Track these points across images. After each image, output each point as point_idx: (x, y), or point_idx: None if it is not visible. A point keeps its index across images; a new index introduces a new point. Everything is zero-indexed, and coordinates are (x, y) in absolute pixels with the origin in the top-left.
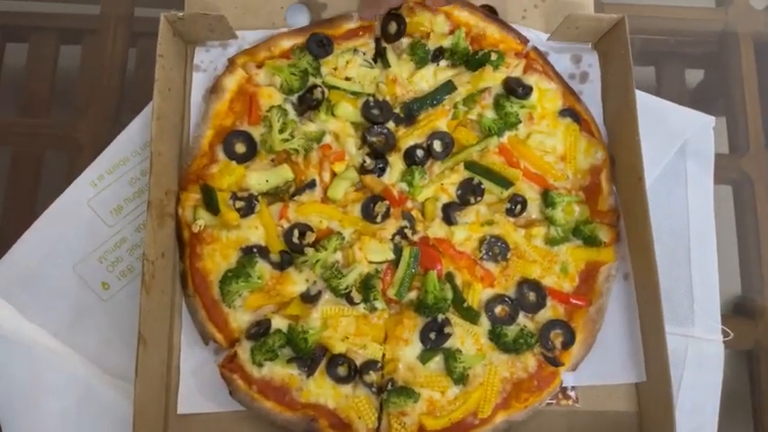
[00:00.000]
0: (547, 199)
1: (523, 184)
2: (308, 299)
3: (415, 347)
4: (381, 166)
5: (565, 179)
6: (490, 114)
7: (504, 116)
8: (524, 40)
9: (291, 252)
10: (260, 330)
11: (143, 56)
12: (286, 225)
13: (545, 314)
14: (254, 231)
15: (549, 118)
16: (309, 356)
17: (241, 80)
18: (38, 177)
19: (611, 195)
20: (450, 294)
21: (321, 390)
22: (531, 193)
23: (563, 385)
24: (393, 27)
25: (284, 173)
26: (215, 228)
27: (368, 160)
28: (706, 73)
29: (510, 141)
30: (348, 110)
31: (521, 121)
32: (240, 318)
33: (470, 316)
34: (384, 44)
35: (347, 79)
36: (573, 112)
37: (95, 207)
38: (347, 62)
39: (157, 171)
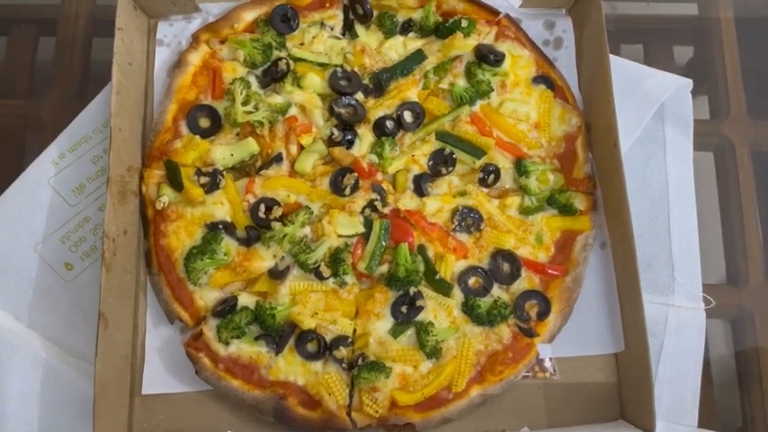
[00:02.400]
0: (520, 168)
1: (497, 154)
2: (276, 275)
3: (387, 322)
4: (350, 137)
5: (539, 147)
6: (462, 83)
7: (475, 84)
8: (496, 14)
9: (258, 227)
10: (226, 308)
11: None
12: (252, 200)
13: (520, 285)
14: (220, 207)
15: (523, 85)
16: (278, 333)
17: (205, 55)
18: None
19: (587, 163)
20: (422, 267)
21: (290, 367)
22: (505, 163)
23: (539, 357)
24: (360, 10)
25: (249, 146)
26: (179, 204)
27: (336, 132)
28: (696, 50)
29: (482, 110)
30: (315, 81)
31: (493, 89)
32: (206, 295)
33: (443, 288)
34: (352, 16)
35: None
36: (547, 79)
37: (57, 186)
38: (314, 37)
39: (118, 147)
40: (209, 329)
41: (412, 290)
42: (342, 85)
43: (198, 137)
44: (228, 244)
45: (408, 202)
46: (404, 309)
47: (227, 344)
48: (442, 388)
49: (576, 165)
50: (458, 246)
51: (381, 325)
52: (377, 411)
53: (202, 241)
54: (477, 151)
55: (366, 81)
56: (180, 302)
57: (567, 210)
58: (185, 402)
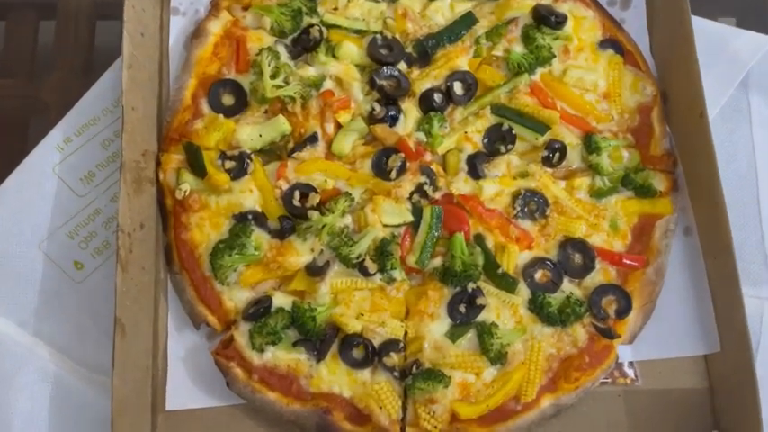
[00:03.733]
0: (590, 144)
1: (562, 129)
2: (315, 271)
3: (443, 323)
4: (393, 113)
5: (609, 120)
6: (519, 49)
7: (534, 50)
8: None
9: (293, 218)
10: (259, 309)
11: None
12: (285, 186)
13: (594, 278)
14: (248, 195)
15: (588, 50)
16: (319, 338)
17: (227, 23)
18: None
19: (665, 137)
20: (480, 259)
21: (334, 376)
22: (571, 139)
23: (619, 361)
24: None
25: (280, 125)
26: (202, 193)
27: (377, 108)
28: None
29: (543, 79)
30: (352, 50)
31: (555, 56)
32: (236, 296)
33: (506, 284)
34: None
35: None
36: (615, 43)
37: (63, 175)
38: (349, 0)
39: (131, 129)
40: (241, 335)
41: (470, 286)
42: (382, 54)
43: (221, 116)
44: (259, 237)
45: (462, 185)
46: (462, 308)
47: (261, 351)
48: (508, 398)
49: (653, 140)
50: (521, 235)
51: (437, 327)
52: (435, 426)
53: (230, 234)
54: (540, 126)
55: (409, 49)
56: (206, 304)
57: (644, 191)
58: (215, 418)
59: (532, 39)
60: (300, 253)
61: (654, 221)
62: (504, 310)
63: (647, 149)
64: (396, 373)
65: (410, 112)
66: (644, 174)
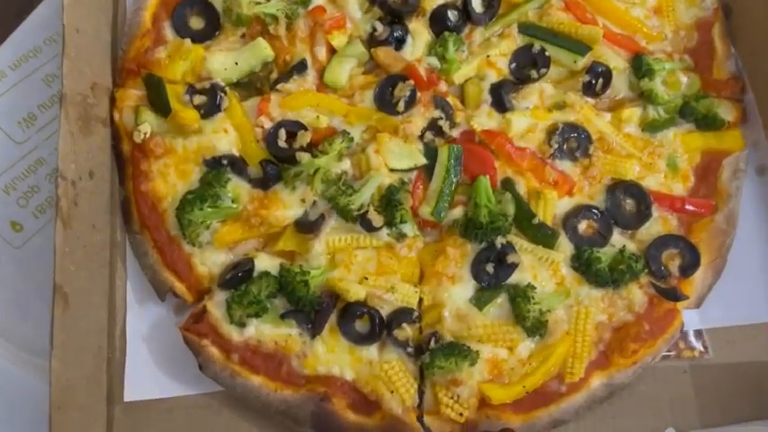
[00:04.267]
0: (640, 67)
1: (605, 49)
2: (307, 227)
3: (467, 287)
4: (399, 35)
5: (662, 40)
6: None
7: None
8: None
9: (278, 162)
10: (239, 275)
11: None
12: (268, 125)
13: (651, 229)
14: (223, 136)
15: None
16: (313, 308)
17: None
18: None
19: (730, 58)
20: (511, 208)
21: (333, 355)
22: (617, 61)
23: (684, 329)
24: None
25: (260, 51)
26: (166, 135)
27: (379, 27)
28: None
29: None
30: None
31: None
32: (209, 259)
33: (544, 237)
34: None
35: None
36: None
37: None
38: None
39: (75, 54)
40: (216, 306)
41: (499, 241)
42: None
43: (188, 41)
44: (237, 186)
45: (485, 120)
46: (489, 268)
47: (241, 325)
48: (550, 377)
49: (716, 61)
50: (559, 178)
51: (459, 291)
52: (460, 414)
53: (201, 184)
54: (579, 46)
55: None
56: (173, 270)
57: (708, 123)
58: (187, 410)
59: None
60: (288, 205)
61: (720, 159)
62: (541, 270)
63: (709, 73)
64: (409, 350)
65: (419, 33)
66: (706, 102)
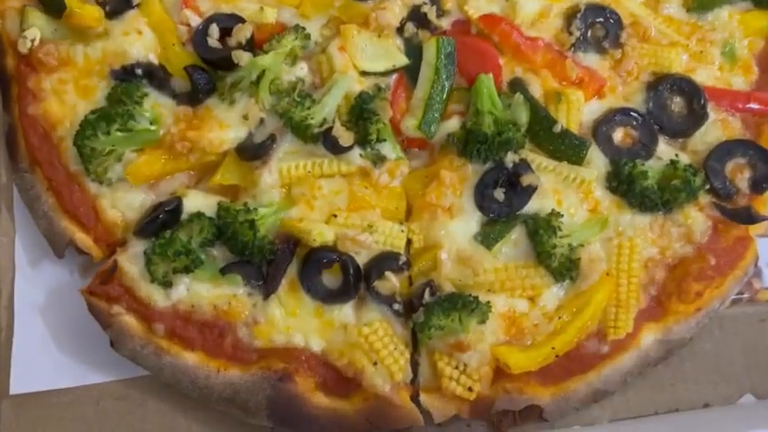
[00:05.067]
0: None
1: None
2: (253, 152)
3: (469, 220)
4: None
5: None
6: None
7: None
8: None
9: (210, 68)
10: (160, 218)
11: None
12: (195, 21)
13: (709, 134)
14: (136, 39)
15: None
16: (264, 258)
17: None
18: None
19: None
20: (524, 115)
21: (294, 319)
22: None
23: (759, 263)
24: None
25: None
26: (62, 42)
27: None
28: None
29: None
30: None
31: None
32: (123, 200)
33: (569, 149)
34: None
35: None
36: None
37: None
38: None
39: None
40: (131, 260)
41: (510, 158)
42: None
43: None
44: (158, 104)
45: (484, 4)
46: (498, 193)
47: (167, 285)
48: (587, 335)
49: None
50: (585, 75)
51: (460, 227)
52: (469, 388)
53: (108, 101)
54: None
55: None
56: (74, 217)
57: None
58: (96, 404)
59: None
60: (226, 124)
61: None
62: (568, 193)
63: None
64: (397, 307)
65: None
66: None
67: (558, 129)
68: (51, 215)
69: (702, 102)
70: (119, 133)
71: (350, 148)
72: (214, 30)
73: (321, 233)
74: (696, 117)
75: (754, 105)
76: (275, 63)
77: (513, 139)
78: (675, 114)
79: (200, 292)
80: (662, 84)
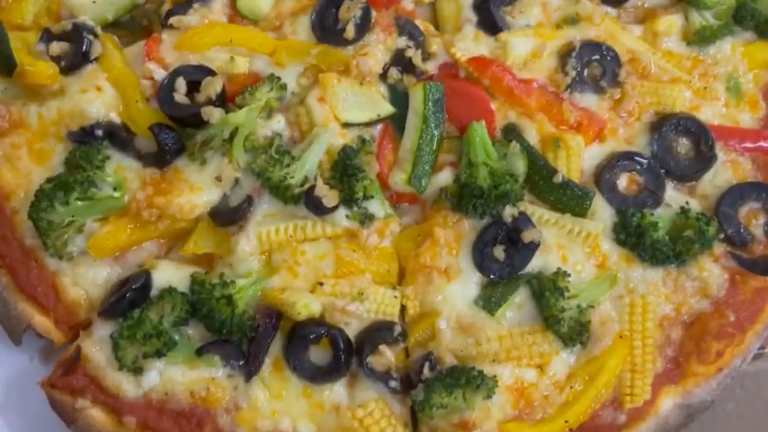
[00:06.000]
0: None
1: None
2: (228, 216)
3: (468, 282)
4: None
5: None
6: None
7: None
8: None
9: (177, 125)
10: (127, 296)
11: None
12: (160, 74)
13: (718, 177)
14: (96, 97)
15: None
16: (245, 335)
17: None
18: None
19: None
20: (521, 164)
21: (280, 402)
22: None
23: None
24: None
25: None
26: (13, 102)
27: None
28: None
29: None
30: None
31: None
32: (85, 276)
33: (571, 200)
34: None
35: None
36: None
37: None
38: None
39: None
40: (97, 346)
41: (509, 211)
42: None
43: None
44: (121, 167)
45: (472, 45)
46: (498, 251)
47: (137, 371)
48: (602, 404)
49: None
50: (583, 117)
51: (458, 290)
52: None
53: (66, 167)
54: None
55: None
56: (32, 298)
57: None
58: None
59: None
60: (197, 187)
61: None
62: (573, 248)
63: None
64: (393, 384)
65: None
66: None
67: (558, 179)
68: (6, 297)
69: (710, 143)
70: (79, 202)
71: (335, 208)
72: (181, 84)
73: (306, 305)
74: (704, 159)
75: (764, 144)
76: (249, 119)
77: (510, 191)
78: (682, 157)
79: (174, 377)
80: (666, 124)
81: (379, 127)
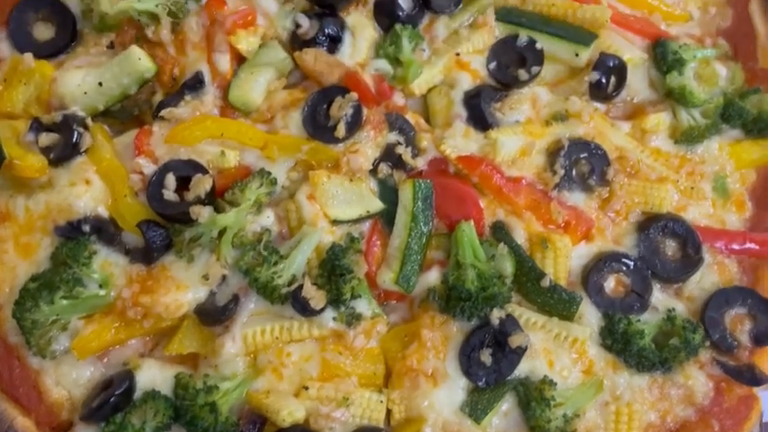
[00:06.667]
0: (664, 57)
1: (614, 37)
2: (214, 316)
3: (455, 387)
4: (333, 32)
5: (687, 19)
6: None
7: None
8: None
9: (167, 222)
10: (112, 399)
11: None
12: (149, 169)
13: (705, 280)
14: (84, 190)
15: None
16: None
17: None
18: None
19: None
20: (508, 266)
21: None
22: (632, 52)
23: (764, 420)
24: None
25: (134, 64)
26: (1, 194)
27: (304, 23)
28: None
29: None
30: None
31: None
32: (68, 376)
33: (558, 304)
34: None
35: None
36: None
37: None
38: None
39: None
40: None
41: (496, 315)
42: None
43: (29, 57)
44: (108, 263)
45: (462, 142)
46: (485, 356)
47: None
48: None
49: (759, 44)
50: (572, 216)
51: (444, 395)
52: None
53: (52, 263)
54: (580, 34)
55: None
56: (13, 398)
57: (761, 126)
58: None
59: None
60: (184, 285)
61: None
62: (560, 353)
63: (754, 60)
64: None
65: (361, 28)
66: (755, 98)
67: (546, 283)
68: None
69: (696, 246)
70: (64, 301)
71: (322, 310)
72: (170, 181)
73: (291, 413)
74: (691, 262)
75: (750, 246)
76: (238, 219)
77: (498, 294)
78: (669, 259)
79: None
80: (653, 226)
81: (368, 224)
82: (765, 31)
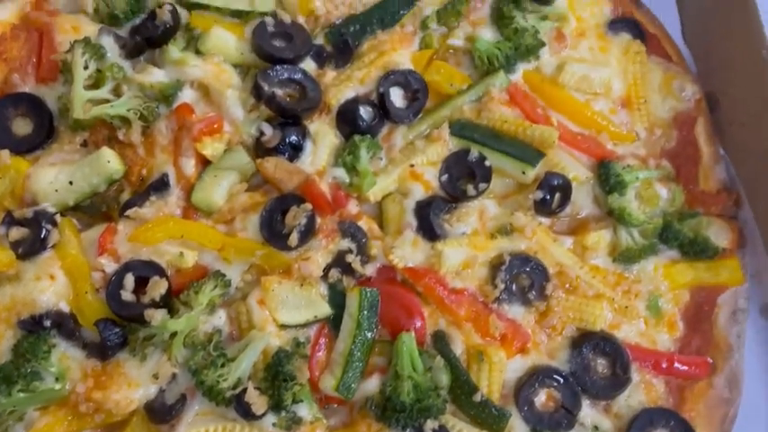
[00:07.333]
0: (607, 177)
1: (561, 155)
2: (162, 414)
3: None
4: (295, 140)
5: (633, 140)
6: (488, 35)
7: (513, 36)
8: None
9: (124, 321)
10: None
11: None
12: (111, 267)
13: (632, 398)
14: (48, 285)
15: (593, 35)
16: None
17: (24, 5)
18: None
19: (719, 163)
20: (444, 378)
21: None
22: (578, 170)
23: None
24: None
25: (103, 166)
26: None
27: (267, 131)
28: None
29: (528, 80)
30: (226, 41)
31: (544, 44)
32: None
33: (489, 418)
34: None
35: None
36: (631, 24)
37: None
38: None
39: None
40: None
41: (430, 424)
42: (275, 46)
43: (5, 153)
44: (66, 357)
45: (410, 251)
46: None
47: None
48: None
49: (701, 167)
50: (509, 330)
51: None
52: None
53: (13, 355)
54: (529, 152)
55: (320, 39)
56: None
57: (697, 249)
58: None
59: (508, 19)
60: (135, 382)
61: (715, 297)
62: None
63: (695, 183)
64: None
65: (323, 135)
66: (694, 222)
67: (478, 398)
68: None
69: (625, 366)
70: (21, 394)
71: (263, 415)
72: (129, 281)
73: None
74: (619, 381)
75: (679, 367)
76: (190, 323)
77: (433, 406)
78: (599, 376)
79: None
80: (585, 344)
81: (316, 327)
82: (709, 153)
